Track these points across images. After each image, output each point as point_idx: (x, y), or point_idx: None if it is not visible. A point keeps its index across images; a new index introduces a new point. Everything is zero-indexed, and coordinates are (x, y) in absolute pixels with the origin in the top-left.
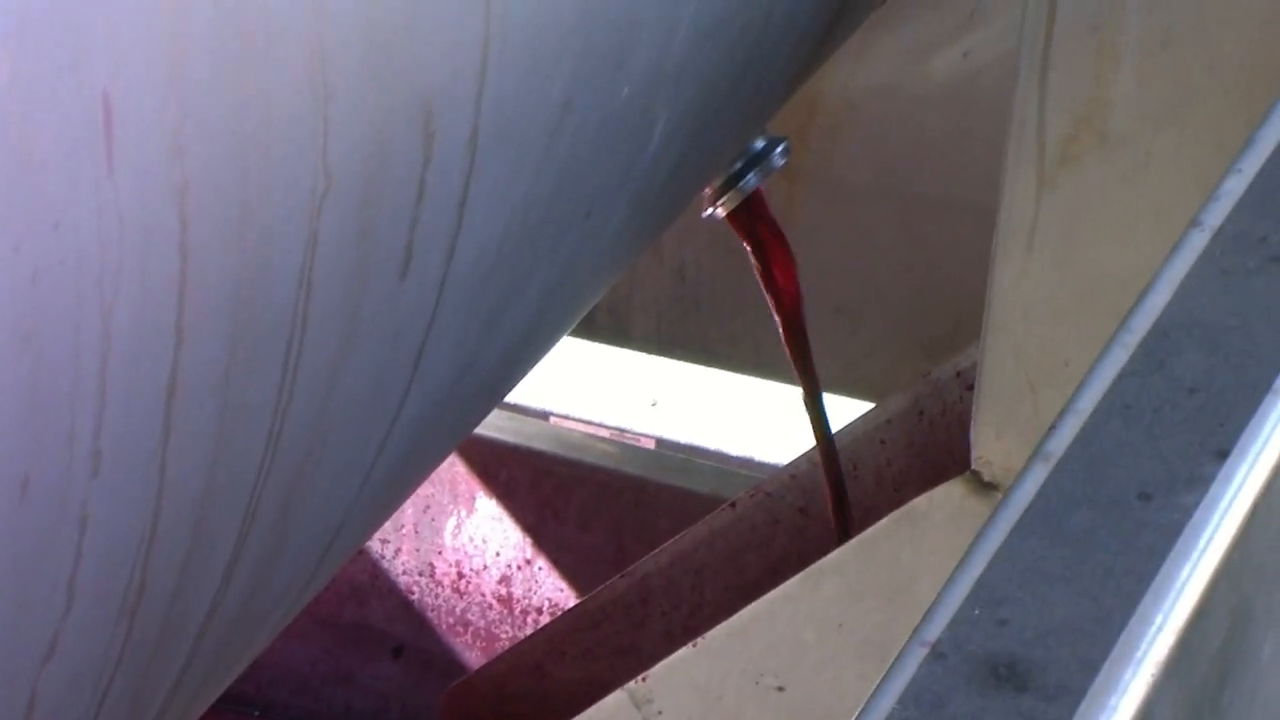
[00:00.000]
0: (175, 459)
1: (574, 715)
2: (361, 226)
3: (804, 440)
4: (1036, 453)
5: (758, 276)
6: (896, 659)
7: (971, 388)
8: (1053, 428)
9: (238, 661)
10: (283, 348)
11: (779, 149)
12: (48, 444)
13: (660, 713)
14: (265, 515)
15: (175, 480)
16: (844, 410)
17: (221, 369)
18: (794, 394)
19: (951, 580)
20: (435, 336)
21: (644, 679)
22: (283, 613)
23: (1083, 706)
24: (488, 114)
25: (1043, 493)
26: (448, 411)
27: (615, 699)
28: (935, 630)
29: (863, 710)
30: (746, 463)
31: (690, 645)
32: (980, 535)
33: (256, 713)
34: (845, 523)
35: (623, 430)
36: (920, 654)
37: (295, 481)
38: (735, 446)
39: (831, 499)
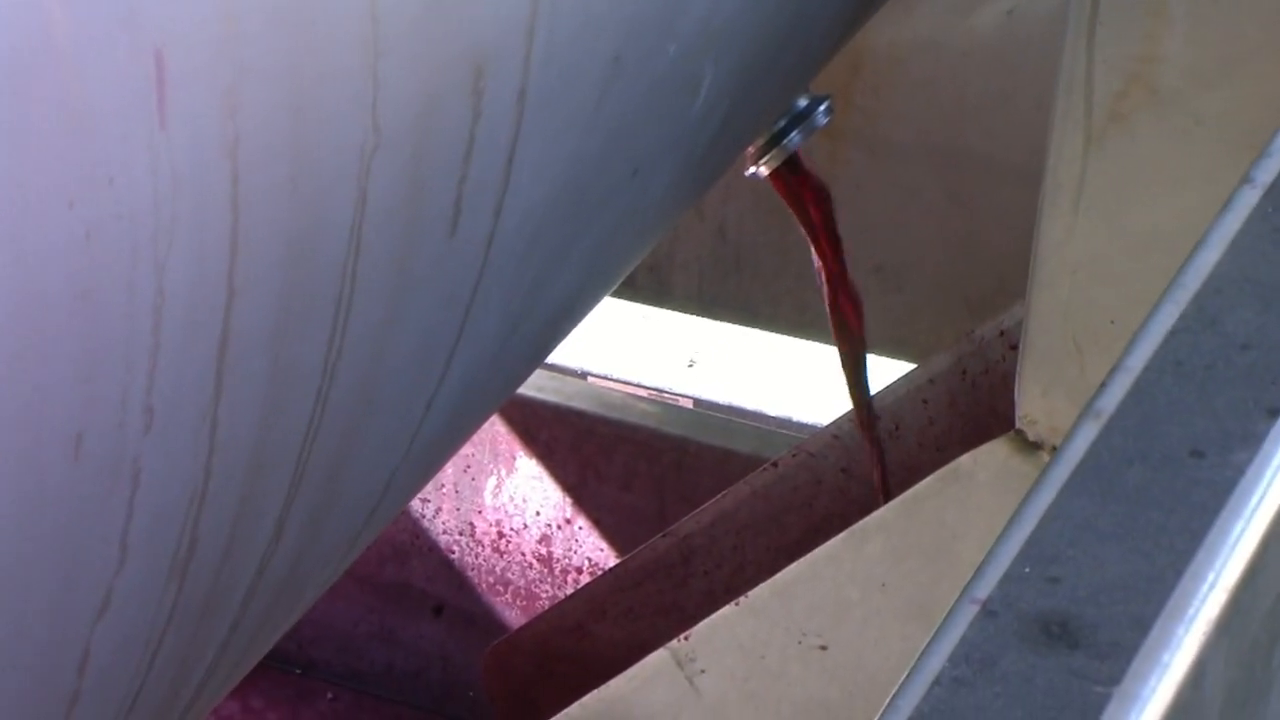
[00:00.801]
0: (226, 417)
1: (616, 674)
2: (411, 184)
3: (844, 401)
4: (1087, 410)
5: (804, 234)
6: (947, 617)
7: (1015, 347)
8: (1104, 385)
9: (284, 620)
10: (332, 306)
11: (822, 107)
12: (101, 400)
13: (703, 671)
14: (314, 474)
15: (226, 438)
16: (886, 370)
17: (272, 327)
18: (835, 354)
19: (1002, 538)
20: (483, 295)
21: (686, 638)
22: (329, 572)
23: (1135, 664)
24: (536, 71)
25: (1094, 450)
26: (494, 371)
27: (658, 658)
28: (986, 588)
29: (913, 668)
30: (785, 423)
31: (733, 604)
32: (1031, 493)
33: (298, 670)
34: (886, 482)
35: (660, 390)
36: (971, 612)
37: (343, 440)
38: (774, 407)
39: (873, 458)
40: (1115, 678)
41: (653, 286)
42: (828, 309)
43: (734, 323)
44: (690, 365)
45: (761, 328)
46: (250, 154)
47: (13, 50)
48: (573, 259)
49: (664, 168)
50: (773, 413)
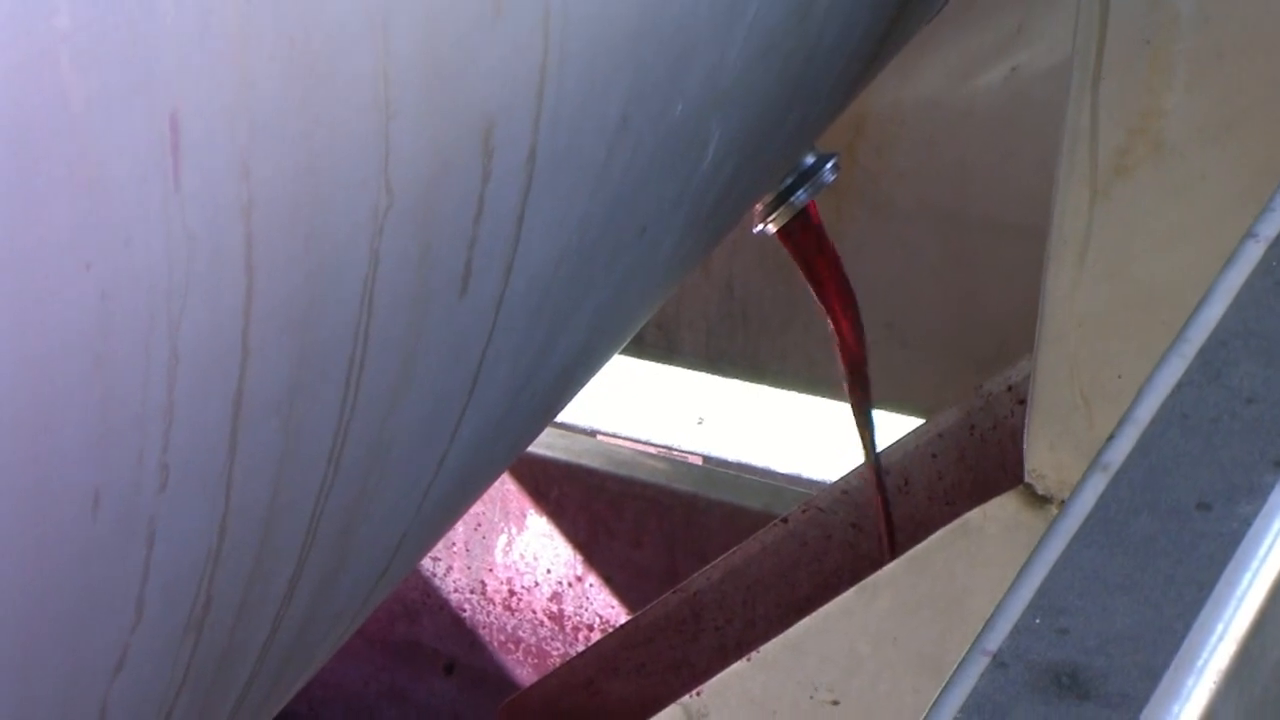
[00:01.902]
0: (240, 476)
1: None
2: (422, 245)
3: (852, 456)
4: (1095, 462)
5: (812, 292)
6: (958, 668)
7: (1023, 401)
8: (1111, 437)
9: (298, 678)
10: (345, 366)
11: (829, 164)
12: (117, 459)
13: None
14: (327, 532)
15: (240, 497)
16: (893, 425)
17: (286, 387)
18: (841, 409)
19: (1012, 589)
20: (493, 355)
21: (699, 693)
22: (342, 630)
23: (1145, 714)
24: (546, 132)
25: (1102, 502)
26: (504, 430)
27: (670, 713)
28: (997, 639)
29: (926, 718)
30: (794, 479)
31: (745, 659)
32: (1040, 544)
33: None
34: (892, 537)
35: (670, 448)
36: (982, 663)
37: (356, 499)
38: (782, 463)
39: (880, 513)
40: None
41: (660, 344)
42: (841, 364)
43: (742, 379)
44: (699, 423)
45: (769, 383)
46: (264, 216)
47: (28, 114)
48: (581, 318)
49: (672, 226)
50: (781, 469)
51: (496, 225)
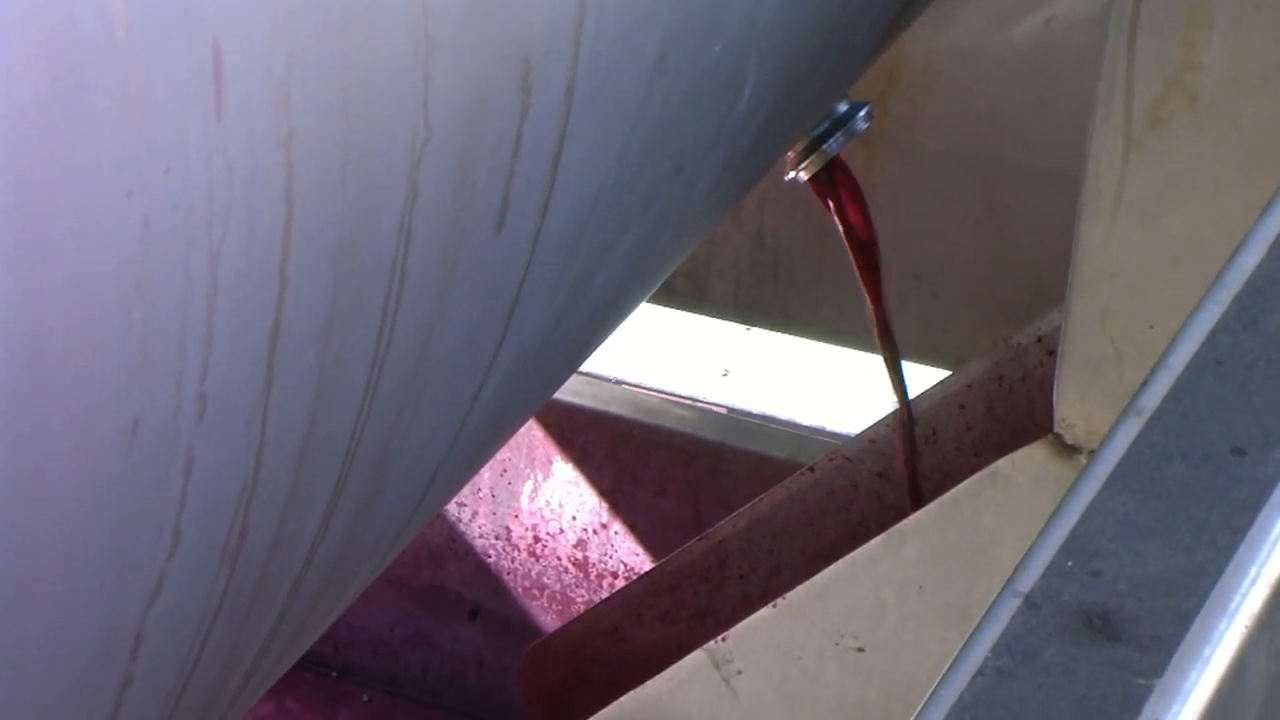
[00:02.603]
0: (277, 406)
1: (651, 677)
2: (460, 179)
3: (879, 407)
4: (1129, 408)
5: (843, 239)
6: (989, 609)
7: (1053, 353)
8: (1145, 383)
9: (329, 613)
10: (381, 299)
11: (862, 112)
12: (156, 387)
13: (740, 672)
14: (361, 466)
15: (276, 428)
16: (921, 376)
17: (323, 318)
18: (869, 361)
19: (1044, 532)
20: (528, 292)
21: (724, 639)
22: (373, 566)
23: (1176, 657)
24: (584, 68)
25: (1135, 447)
26: (538, 367)
27: (695, 659)
28: (1029, 581)
29: (956, 659)
30: (818, 431)
31: (770, 606)
32: (1073, 488)
33: (334, 673)
34: (917, 487)
35: (694, 399)
36: (1013, 604)
37: (391, 433)
38: (807, 415)
39: (905, 463)
40: (1157, 670)
41: (690, 293)
42: (871, 314)
43: (771, 329)
44: (724, 375)
45: (798, 334)
46: (303, 146)
47: (73, 42)
48: (616, 256)
49: (707, 166)
50: (806, 421)
51: (534, 161)
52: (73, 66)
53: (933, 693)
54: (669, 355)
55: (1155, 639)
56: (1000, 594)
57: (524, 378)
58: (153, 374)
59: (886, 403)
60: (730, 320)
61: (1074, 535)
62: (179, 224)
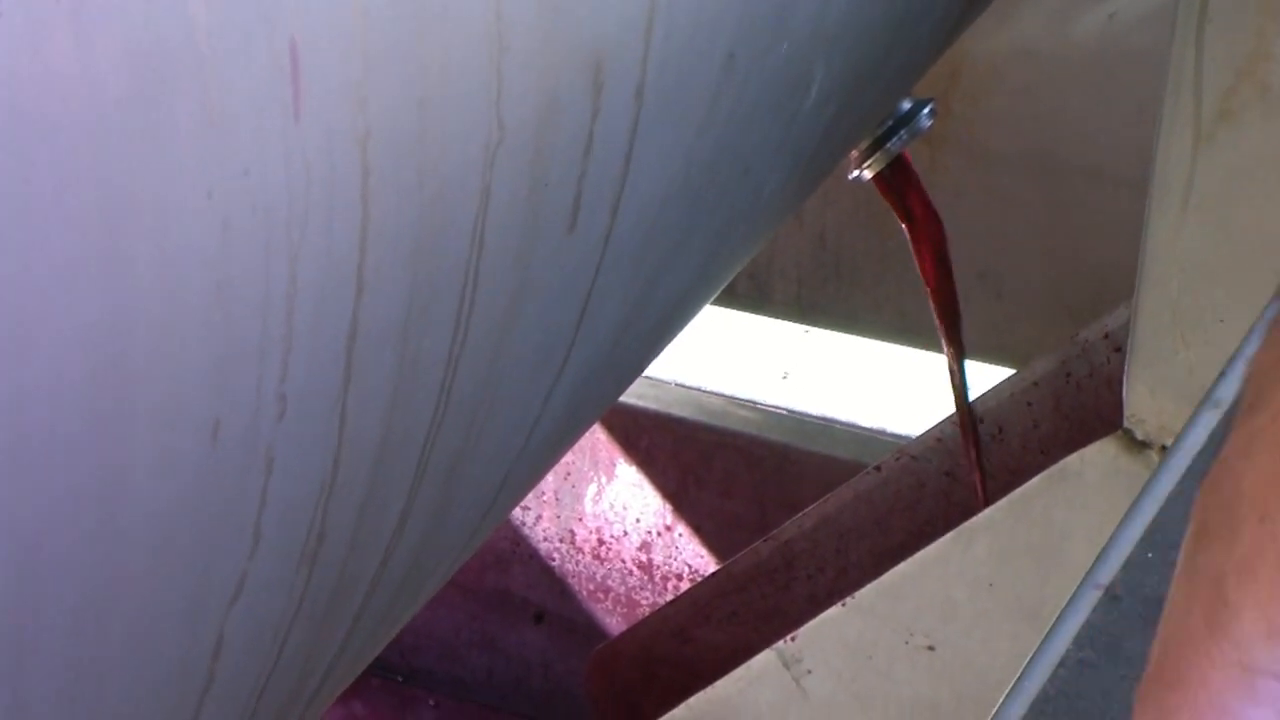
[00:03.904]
0: (355, 407)
1: (718, 678)
2: (532, 180)
3: (942, 408)
4: (1206, 399)
5: (908, 239)
6: (1069, 602)
7: (1119, 349)
8: (1222, 374)
9: (403, 615)
10: (456, 300)
11: (925, 110)
12: (237, 388)
13: (809, 672)
14: (436, 468)
15: (354, 429)
16: (987, 375)
17: (399, 320)
18: (931, 361)
19: (1123, 525)
20: (600, 291)
21: (793, 639)
22: (446, 569)
23: None
24: (654, 67)
25: (1214, 438)
26: (608, 368)
27: (764, 659)
28: (1109, 573)
29: (1037, 651)
30: (879, 433)
31: (839, 605)
32: (1151, 480)
33: (400, 678)
34: (985, 485)
35: (754, 403)
36: (1094, 596)
37: (465, 434)
38: (868, 417)
39: (971, 462)
40: None
41: (752, 294)
42: (935, 313)
43: (834, 329)
44: (784, 378)
45: (862, 334)
46: (380, 147)
47: (155, 46)
48: (685, 256)
49: (775, 167)
50: (867, 423)
51: (605, 161)
52: (154, 69)
53: (1015, 684)
54: (728, 359)
55: None
56: (1080, 586)
57: (594, 379)
58: (233, 375)
59: (951, 402)
60: (793, 321)
61: (1153, 527)
62: (258, 225)
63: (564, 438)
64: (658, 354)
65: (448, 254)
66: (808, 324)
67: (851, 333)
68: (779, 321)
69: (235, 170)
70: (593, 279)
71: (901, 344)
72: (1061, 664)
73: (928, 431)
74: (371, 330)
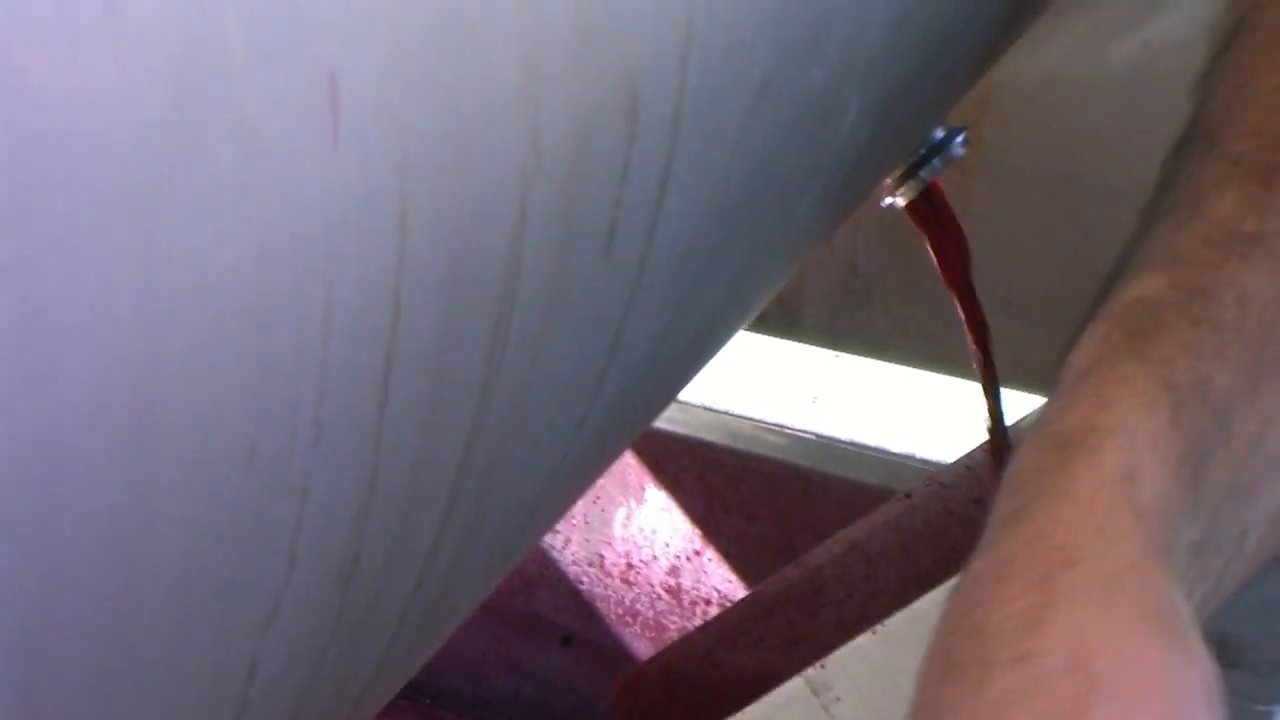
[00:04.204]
0: (390, 431)
1: (745, 704)
2: (568, 205)
3: (966, 436)
4: None
5: (937, 267)
6: None
7: None
8: None
9: (435, 640)
10: (491, 324)
11: (959, 138)
12: (273, 413)
13: (839, 699)
14: (469, 492)
15: (390, 453)
16: (1017, 402)
17: (435, 344)
18: (961, 387)
19: None
20: (633, 317)
21: (823, 665)
22: (477, 593)
23: None
24: (690, 93)
25: None
26: (640, 395)
27: (793, 685)
28: None
29: None
30: (908, 458)
31: (870, 632)
32: None
33: (428, 700)
34: None
35: (782, 427)
36: None
37: (499, 458)
38: (896, 443)
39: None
40: (1275, 696)
41: (782, 320)
42: (971, 340)
43: (864, 355)
44: (814, 401)
45: (892, 360)
46: (417, 173)
47: (195, 73)
48: (719, 282)
49: (808, 194)
50: (895, 449)
51: (640, 187)
52: (192, 92)
53: None
54: (758, 383)
55: (1274, 665)
56: None
57: (627, 404)
58: (269, 400)
59: (981, 429)
60: (823, 347)
61: None
62: (296, 252)
63: (597, 462)
64: (690, 379)
65: (483, 278)
66: (838, 350)
67: (881, 359)
68: (809, 346)
69: (273, 195)
70: (627, 304)
71: (931, 370)
72: None
73: (958, 459)
74: (407, 355)
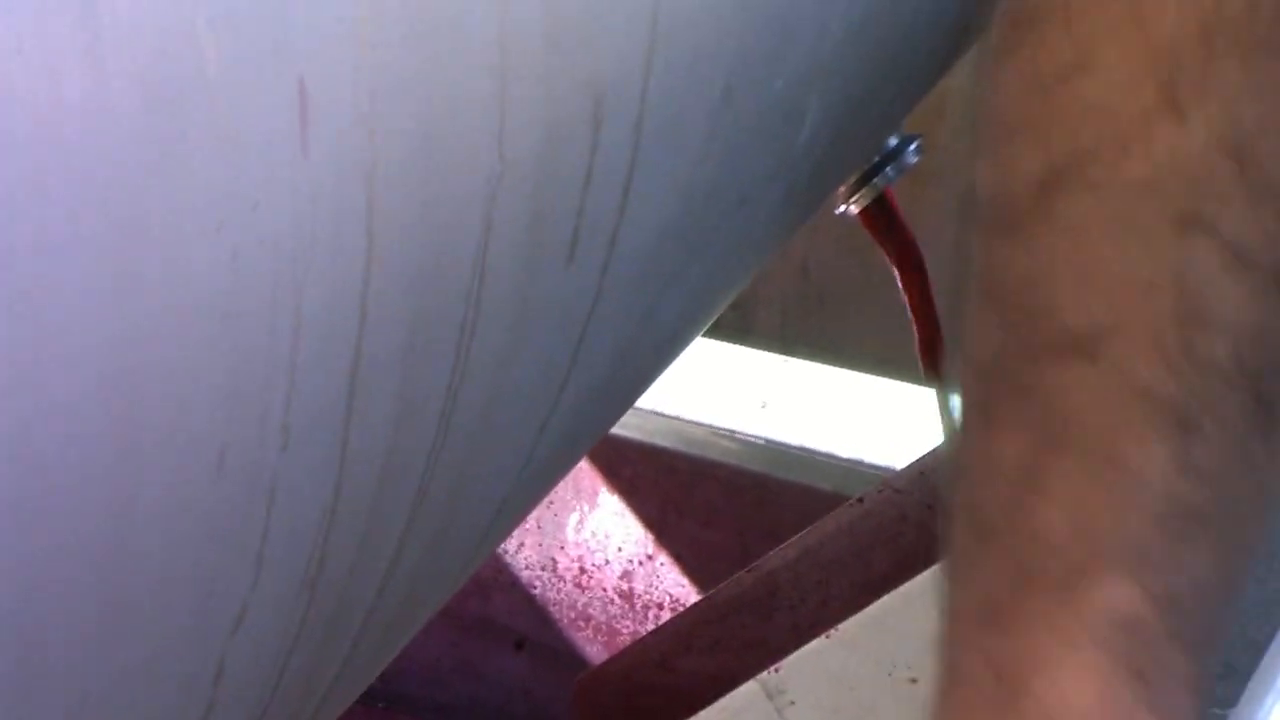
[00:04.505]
0: (357, 436)
1: (701, 707)
2: (533, 213)
3: (918, 441)
4: None
5: (895, 273)
6: None
7: None
8: None
9: (398, 643)
10: (457, 330)
11: (912, 146)
12: (243, 418)
13: (793, 703)
14: (435, 494)
15: (356, 457)
16: None
17: (401, 349)
18: (911, 393)
19: None
20: (596, 322)
21: (777, 669)
22: (440, 596)
23: (1250, 687)
24: (653, 101)
25: None
26: (604, 397)
27: (747, 689)
28: None
29: None
30: (857, 464)
31: (824, 636)
32: None
33: (382, 704)
34: None
35: (733, 432)
36: None
37: (464, 461)
38: (846, 448)
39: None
40: (1230, 700)
41: (736, 325)
42: (918, 348)
43: (817, 360)
44: (763, 407)
45: (844, 366)
46: (385, 180)
47: (168, 81)
48: (680, 287)
49: (769, 199)
50: (844, 454)
51: (604, 194)
52: (166, 102)
53: None
54: (707, 388)
55: (1228, 668)
56: None
57: (589, 409)
58: (240, 404)
59: (935, 434)
60: (776, 352)
61: None
62: (266, 257)
63: (559, 466)
64: (649, 385)
65: (449, 285)
66: (791, 355)
67: (835, 364)
68: (760, 351)
69: (244, 203)
70: (590, 310)
71: (882, 375)
72: None
73: (911, 464)
74: (374, 361)
